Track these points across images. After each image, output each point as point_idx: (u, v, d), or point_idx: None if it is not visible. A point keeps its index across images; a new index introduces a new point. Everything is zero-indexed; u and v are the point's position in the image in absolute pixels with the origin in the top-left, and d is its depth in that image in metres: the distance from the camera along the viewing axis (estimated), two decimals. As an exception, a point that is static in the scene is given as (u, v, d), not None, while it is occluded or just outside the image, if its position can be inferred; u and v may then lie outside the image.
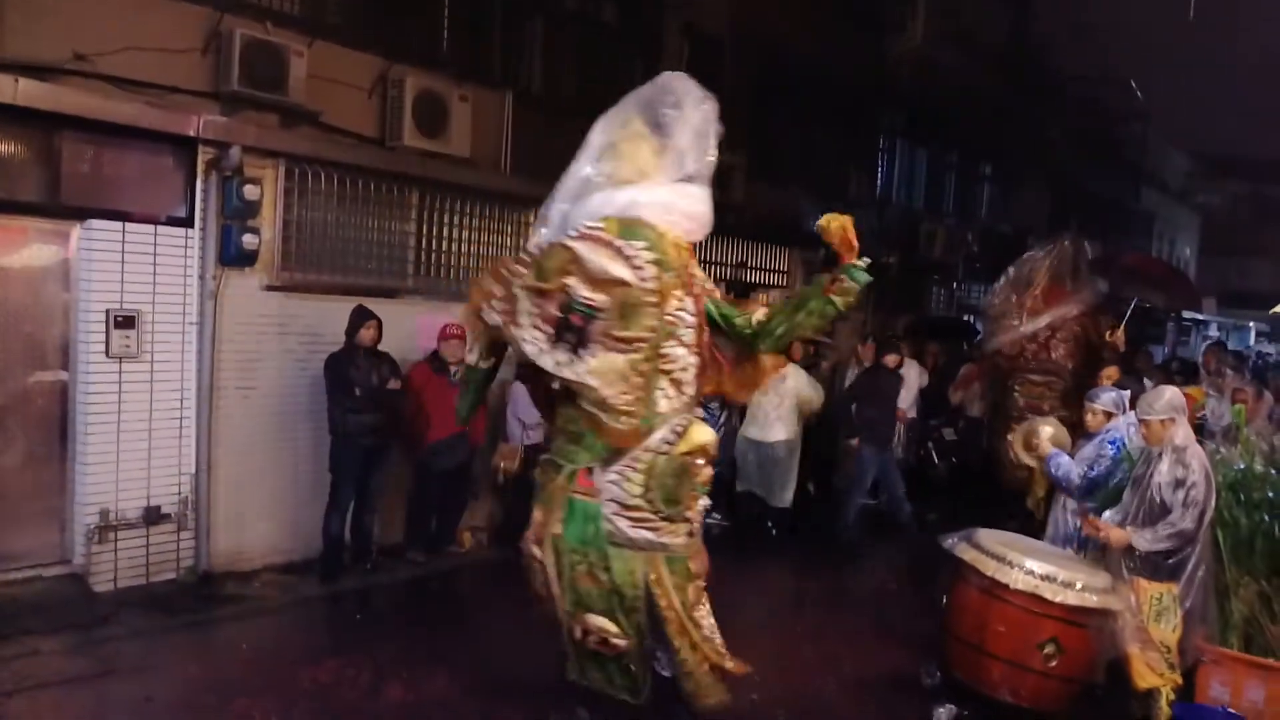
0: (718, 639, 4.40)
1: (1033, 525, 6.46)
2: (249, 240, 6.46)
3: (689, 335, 4.32)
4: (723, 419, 8.83)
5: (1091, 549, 5.44)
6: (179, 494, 6.44)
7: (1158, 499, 4.95)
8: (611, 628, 4.29)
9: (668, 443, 4.25)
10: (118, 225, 6.08)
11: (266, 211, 6.68)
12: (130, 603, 6.02)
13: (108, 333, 6.04)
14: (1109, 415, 6.04)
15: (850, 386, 9.67)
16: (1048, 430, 6.28)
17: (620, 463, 4.26)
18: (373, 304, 7.00)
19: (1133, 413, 5.79)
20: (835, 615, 6.87)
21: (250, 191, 6.40)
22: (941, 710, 5.11)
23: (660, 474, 4.22)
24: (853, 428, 9.09)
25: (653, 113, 4.40)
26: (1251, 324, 31.60)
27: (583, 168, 4.50)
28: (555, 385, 4.38)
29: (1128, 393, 6.48)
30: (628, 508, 4.25)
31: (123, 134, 5.98)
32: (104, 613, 5.82)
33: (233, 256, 6.46)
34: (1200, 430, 6.66)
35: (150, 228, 6.21)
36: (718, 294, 4.61)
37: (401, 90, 7.51)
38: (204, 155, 6.35)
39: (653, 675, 4.48)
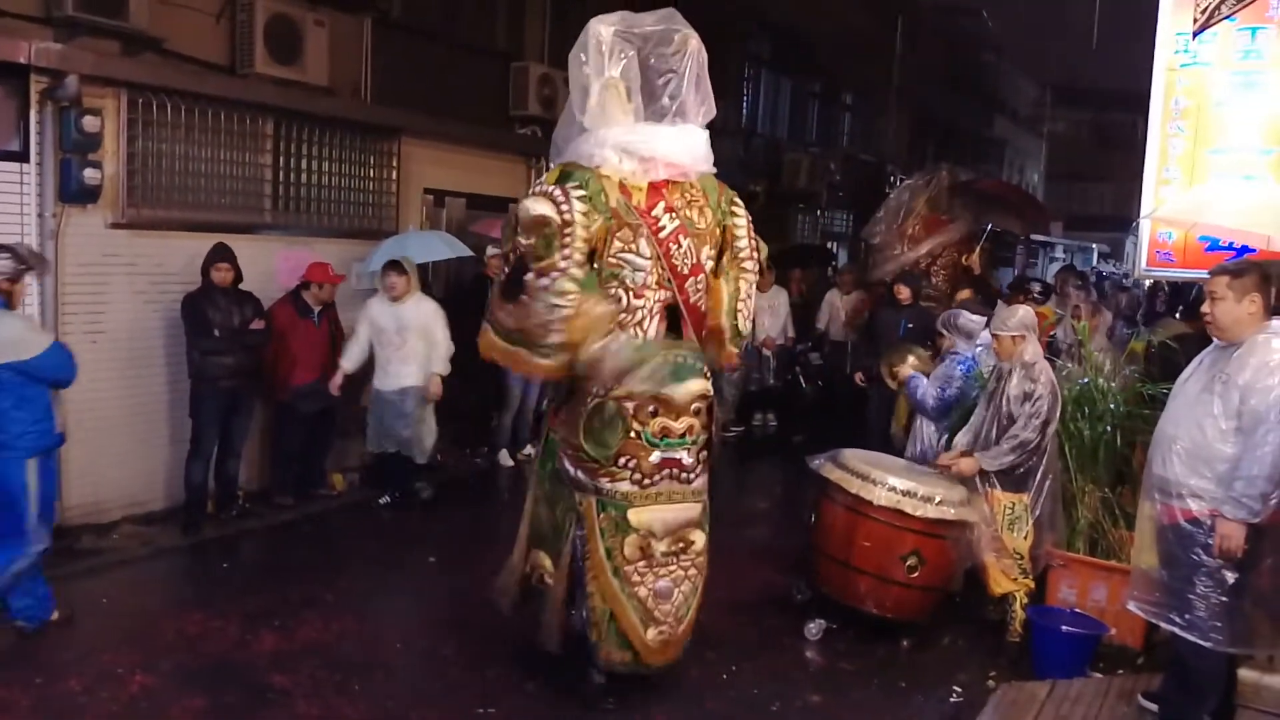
0: (661, 609, 4.22)
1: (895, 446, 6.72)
2: (91, 175, 6.07)
3: (638, 278, 4.20)
4: None
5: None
6: (26, 446, 6.09)
7: (1006, 411, 5.15)
8: (548, 565, 4.31)
9: (605, 387, 4.13)
10: (-59, 160, 5.63)
11: (109, 144, 6.29)
12: (-26, 563, 5.70)
13: (-65, 276, 5.61)
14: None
15: (869, 321, 9.49)
16: (910, 358, 6.51)
17: (573, 401, 4.23)
18: (229, 240, 6.70)
19: (984, 333, 6.06)
20: (708, 538, 7.04)
21: (90, 123, 6.01)
22: (812, 625, 5.31)
23: (589, 414, 4.14)
24: (861, 361, 8.85)
25: (627, 53, 4.21)
26: (1094, 245, 33.28)
27: (575, 114, 4.33)
28: None
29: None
30: (570, 445, 4.23)
31: (-58, 60, 5.51)
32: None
33: (73, 192, 6.06)
34: (1052, 348, 6.98)
35: (-22, 162, 5.77)
36: (747, 265, 4.54)
37: (251, 14, 7.12)
38: (36, 84, 5.91)
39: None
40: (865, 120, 18.80)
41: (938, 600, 5.27)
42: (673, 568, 4.25)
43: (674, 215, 4.27)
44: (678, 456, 4.22)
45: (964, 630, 5.44)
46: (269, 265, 7.34)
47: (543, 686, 4.57)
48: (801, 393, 11.34)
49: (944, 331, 6.37)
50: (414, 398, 7.19)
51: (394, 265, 7.12)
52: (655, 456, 4.17)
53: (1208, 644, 3.88)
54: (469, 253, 8.22)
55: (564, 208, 4.04)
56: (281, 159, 7.53)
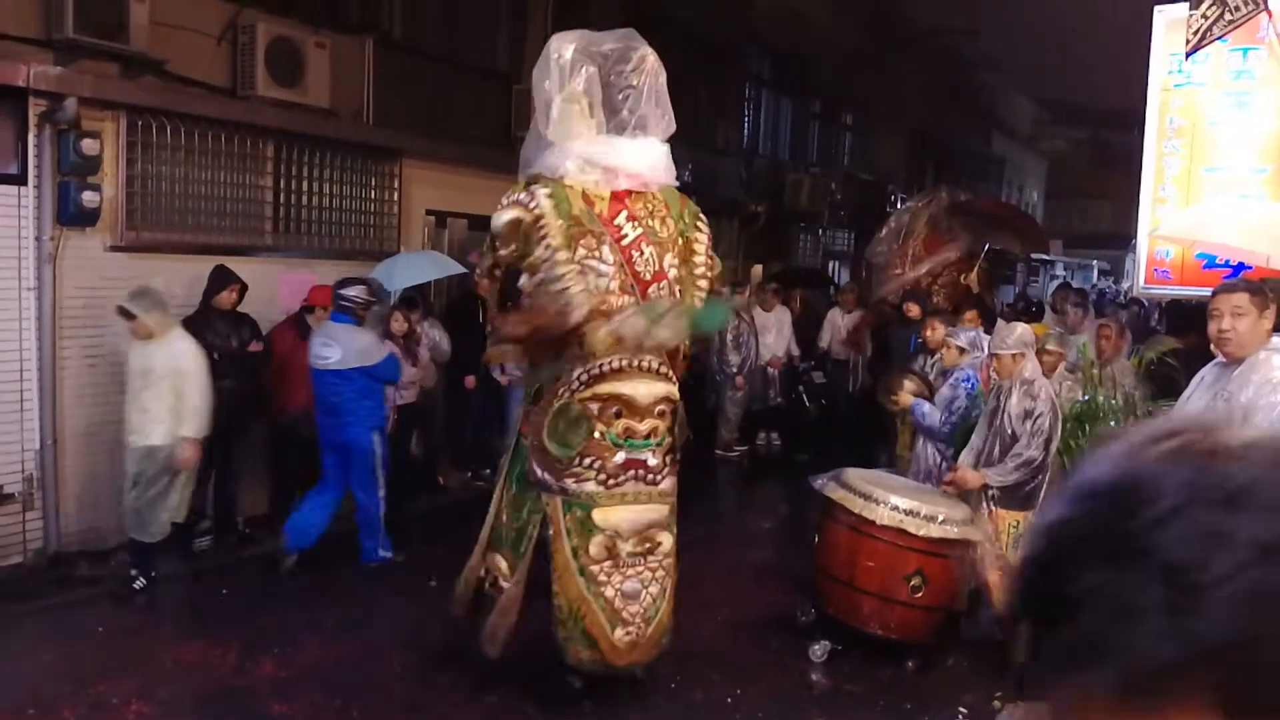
0: (629, 610, 4.28)
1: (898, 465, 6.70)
2: (89, 198, 6.07)
3: (601, 284, 4.29)
4: None
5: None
6: (23, 472, 6.08)
7: (1009, 430, 5.14)
8: (504, 568, 4.36)
9: (570, 389, 4.26)
10: (-61, 184, 5.63)
11: (108, 167, 6.30)
12: (-29, 591, 5.64)
13: (-65, 300, 5.62)
14: (962, 351, 6.30)
15: (880, 339, 9.54)
16: (909, 384, 6.50)
17: (540, 403, 4.35)
18: (230, 263, 6.69)
19: (979, 352, 6.06)
20: (711, 559, 7.00)
21: (89, 146, 6.01)
22: (816, 646, 5.27)
23: (554, 415, 4.24)
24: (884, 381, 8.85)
25: (587, 70, 4.39)
26: (1094, 263, 33.28)
27: (539, 130, 4.51)
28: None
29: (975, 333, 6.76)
30: (535, 447, 4.30)
31: (-59, 84, 5.52)
32: (-58, 603, 5.42)
33: (72, 216, 6.06)
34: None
35: (-23, 186, 5.77)
36: (701, 282, 4.62)
37: (253, 37, 7.15)
38: (35, 107, 5.93)
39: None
40: (865, 140, 18.88)
41: (942, 620, 5.23)
42: (640, 568, 4.33)
43: (637, 223, 4.40)
44: (642, 458, 4.32)
45: (969, 650, 5.39)
46: (270, 288, 7.32)
47: (542, 712, 4.53)
48: (805, 412, 11.32)
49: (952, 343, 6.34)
50: (159, 461, 5.81)
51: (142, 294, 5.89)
52: (620, 457, 4.28)
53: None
54: (460, 270, 8.20)
55: (531, 204, 4.22)
56: (283, 181, 7.55)
